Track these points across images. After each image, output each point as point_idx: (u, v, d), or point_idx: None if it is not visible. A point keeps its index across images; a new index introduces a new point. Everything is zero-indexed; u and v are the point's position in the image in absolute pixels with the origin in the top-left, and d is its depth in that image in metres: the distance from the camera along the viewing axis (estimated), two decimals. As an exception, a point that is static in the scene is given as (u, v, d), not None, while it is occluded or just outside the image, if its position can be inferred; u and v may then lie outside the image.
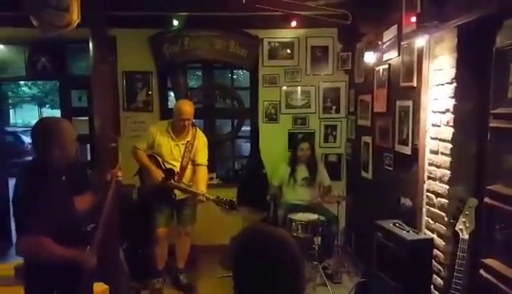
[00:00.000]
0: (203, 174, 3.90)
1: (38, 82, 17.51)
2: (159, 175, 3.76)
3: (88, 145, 5.19)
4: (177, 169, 3.85)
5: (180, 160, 3.87)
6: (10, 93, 18.40)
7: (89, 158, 5.24)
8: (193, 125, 4.02)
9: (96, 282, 2.60)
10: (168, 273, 4.16)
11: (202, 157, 3.95)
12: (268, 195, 4.74)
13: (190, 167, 3.92)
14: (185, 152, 3.88)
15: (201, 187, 3.77)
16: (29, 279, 2.17)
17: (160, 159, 3.85)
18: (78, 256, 2.12)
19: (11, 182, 2.14)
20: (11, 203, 2.08)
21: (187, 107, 3.83)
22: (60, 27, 2.90)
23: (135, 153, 3.85)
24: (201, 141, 3.98)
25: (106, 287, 2.85)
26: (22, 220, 2.01)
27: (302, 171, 4.59)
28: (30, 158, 2.25)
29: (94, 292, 2.42)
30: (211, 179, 4.72)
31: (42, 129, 2.16)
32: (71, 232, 2.14)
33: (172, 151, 3.86)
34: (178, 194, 3.88)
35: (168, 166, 3.84)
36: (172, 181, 3.81)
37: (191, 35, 4.75)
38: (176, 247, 4.13)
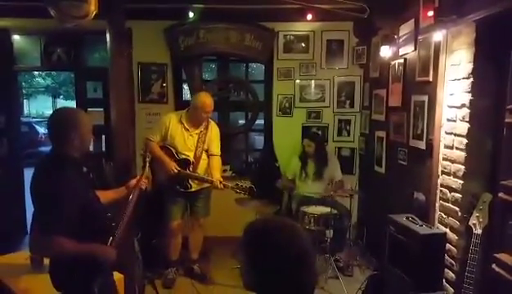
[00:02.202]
0: (217, 163, 3.94)
1: (52, 72, 17.73)
2: (173, 166, 3.78)
3: (103, 137, 5.25)
4: (191, 159, 3.88)
5: (194, 150, 3.90)
6: (24, 83, 18.66)
7: (104, 149, 5.30)
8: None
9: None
10: (181, 263, 4.21)
11: (216, 147, 3.98)
12: (278, 187, 4.76)
13: (204, 157, 3.95)
14: (198, 142, 3.90)
15: (217, 175, 3.80)
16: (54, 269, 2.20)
17: (174, 150, 3.88)
18: (98, 250, 2.12)
19: (26, 172, 2.13)
20: (30, 194, 2.03)
21: (210, 100, 3.85)
22: (78, 18, 2.91)
23: (148, 144, 3.86)
24: (214, 132, 4.01)
25: (121, 275, 2.90)
26: (44, 213, 1.99)
27: (311, 165, 4.61)
28: (44, 148, 2.23)
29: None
30: (224, 171, 4.76)
31: (62, 119, 2.12)
32: (97, 224, 2.15)
33: (185, 141, 3.88)
34: (193, 186, 3.91)
35: (181, 156, 3.87)
36: (188, 171, 3.85)
37: (207, 27, 4.76)
38: (189, 239, 4.17)
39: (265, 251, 1.23)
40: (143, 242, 3.92)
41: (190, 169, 3.86)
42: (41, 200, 2.01)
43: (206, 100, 3.84)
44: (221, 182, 3.72)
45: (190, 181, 3.88)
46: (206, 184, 3.93)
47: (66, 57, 5.15)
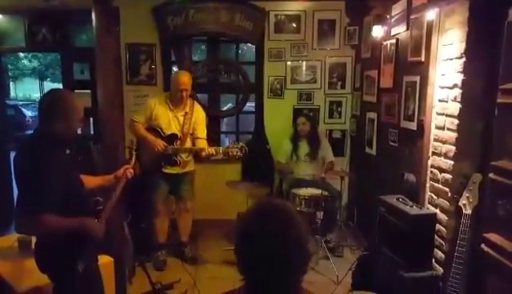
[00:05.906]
0: (204, 144, 3.89)
1: (39, 54, 17.39)
2: (160, 142, 3.75)
3: (91, 119, 5.16)
4: (179, 134, 3.85)
5: (180, 129, 3.87)
6: (10, 66, 18.27)
7: (92, 131, 5.22)
8: (192, 98, 4.02)
9: (102, 255, 2.63)
10: (172, 246, 4.21)
11: (201, 130, 3.95)
12: (275, 171, 4.75)
13: (189, 139, 3.92)
14: (184, 122, 3.88)
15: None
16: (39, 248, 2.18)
17: (159, 129, 3.85)
18: (87, 224, 2.11)
19: (13, 155, 2.11)
20: (14, 176, 2.05)
21: (184, 77, 3.81)
22: (61, -5, 2.82)
23: (132, 125, 3.85)
24: (200, 115, 3.97)
25: (111, 259, 2.88)
26: (26, 191, 2.00)
27: (304, 147, 4.58)
28: (32, 131, 2.22)
29: (99, 265, 2.44)
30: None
31: (51, 99, 2.13)
32: (78, 206, 2.13)
33: (170, 122, 3.86)
34: (179, 168, 3.88)
35: (168, 133, 3.84)
36: (175, 145, 3.82)
37: (196, 7, 4.66)
38: (178, 223, 4.18)
39: (258, 235, 1.21)
40: (133, 225, 3.91)
41: (178, 144, 3.83)
42: (22, 177, 2.03)
43: (180, 77, 3.81)
44: (210, 148, 3.74)
45: (177, 157, 3.85)
46: (190, 167, 3.94)
47: (52, 37, 5.00)
